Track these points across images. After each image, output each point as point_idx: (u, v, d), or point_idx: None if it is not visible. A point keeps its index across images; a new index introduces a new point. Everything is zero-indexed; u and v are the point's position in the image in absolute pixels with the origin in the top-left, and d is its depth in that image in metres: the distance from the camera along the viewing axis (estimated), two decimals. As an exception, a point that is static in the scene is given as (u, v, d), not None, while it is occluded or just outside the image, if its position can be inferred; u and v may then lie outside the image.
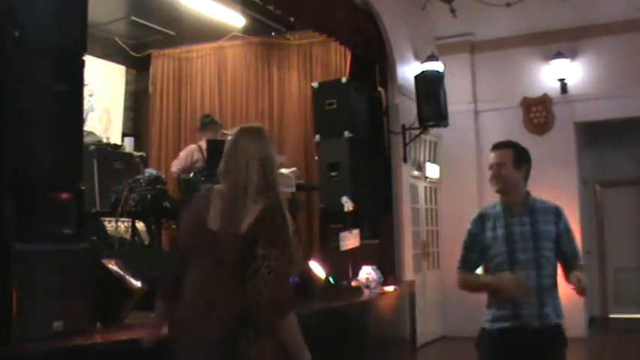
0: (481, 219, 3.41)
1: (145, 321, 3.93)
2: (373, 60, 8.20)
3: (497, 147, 3.48)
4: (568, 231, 3.35)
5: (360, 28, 7.85)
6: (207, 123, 7.05)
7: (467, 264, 3.41)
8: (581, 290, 3.20)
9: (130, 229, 6.20)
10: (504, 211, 3.37)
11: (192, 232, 2.62)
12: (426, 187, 9.19)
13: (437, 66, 8.24)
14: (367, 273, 6.61)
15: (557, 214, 3.36)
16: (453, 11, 8.46)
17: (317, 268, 5.98)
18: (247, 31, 8.56)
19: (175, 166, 6.77)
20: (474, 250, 3.38)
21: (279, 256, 2.47)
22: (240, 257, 2.46)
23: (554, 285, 3.33)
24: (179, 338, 2.55)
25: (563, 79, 9.21)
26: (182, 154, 6.92)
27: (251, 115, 8.84)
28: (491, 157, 3.44)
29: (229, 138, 2.75)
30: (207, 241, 2.53)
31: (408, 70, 8.49)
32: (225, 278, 2.47)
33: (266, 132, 2.73)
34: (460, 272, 3.43)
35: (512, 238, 3.28)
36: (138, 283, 4.11)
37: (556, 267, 3.34)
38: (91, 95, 8.21)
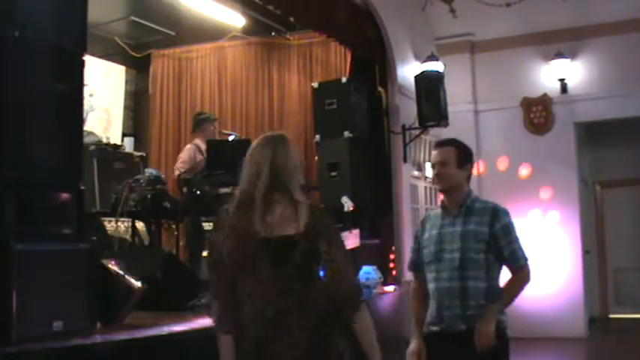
0: (423, 221, 3.43)
1: (147, 322, 3.95)
2: (373, 60, 8.20)
3: (440, 145, 3.39)
4: (508, 232, 3.23)
5: (360, 28, 7.85)
6: (201, 120, 7.04)
7: (413, 265, 3.44)
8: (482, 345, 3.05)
9: (130, 229, 6.20)
10: (442, 211, 3.33)
11: (237, 245, 2.47)
12: (426, 187, 9.18)
13: (437, 66, 8.24)
14: (367, 273, 6.61)
15: (493, 215, 3.23)
16: (453, 11, 8.45)
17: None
18: (247, 31, 8.56)
19: (179, 169, 6.70)
20: (417, 252, 3.40)
21: (339, 252, 2.50)
22: (305, 256, 2.44)
23: (489, 287, 3.18)
24: (260, 344, 2.42)
25: (563, 79, 9.22)
26: (184, 155, 6.85)
27: (251, 115, 8.84)
28: (433, 154, 3.37)
29: (255, 146, 2.81)
30: (262, 249, 2.45)
31: (408, 70, 8.49)
32: (292, 281, 2.42)
33: (285, 139, 2.81)
34: (413, 274, 3.47)
35: (442, 239, 3.25)
36: (138, 283, 4.11)
37: (491, 269, 3.21)
38: (91, 95, 8.20)
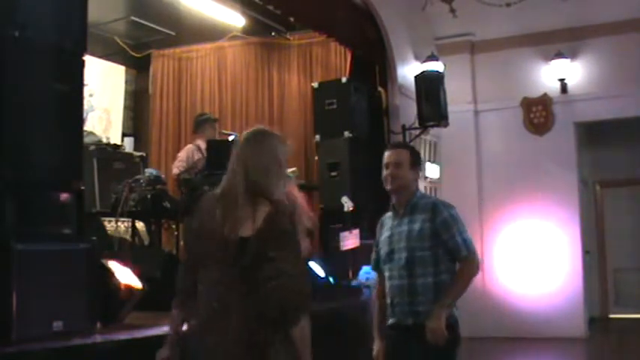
0: (381, 224, 3.54)
1: (147, 322, 3.95)
2: (373, 60, 8.20)
3: (394, 147, 3.56)
4: (448, 225, 3.27)
5: (360, 28, 7.85)
6: (202, 121, 7.06)
7: (374, 265, 3.59)
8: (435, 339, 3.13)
9: (130, 229, 6.20)
10: (393, 212, 3.46)
11: (203, 237, 2.57)
12: (426, 187, 9.17)
13: (437, 66, 8.24)
14: (367, 273, 6.61)
15: (433, 210, 3.30)
16: (453, 11, 8.45)
17: (316, 268, 5.98)
18: (247, 31, 8.56)
19: (177, 167, 6.75)
20: (377, 253, 3.54)
21: (290, 258, 2.48)
22: (253, 260, 2.45)
23: (437, 282, 3.24)
24: (201, 343, 2.54)
25: (563, 79, 9.21)
26: (182, 154, 6.91)
27: (251, 115, 8.84)
28: (386, 155, 3.47)
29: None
30: (218, 247, 2.50)
31: (408, 70, 8.49)
32: (238, 282, 2.46)
33: (263, 135, 2.67)
34: (376, 276, 3.62)
35: (392, 240, 3.37)
36: (138, 283, 4.11)
37: (439, 264, 3.26)
38: (91, 95, 8.20)
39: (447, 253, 3.28)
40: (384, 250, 3.42)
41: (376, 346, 3.46)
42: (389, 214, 3.52)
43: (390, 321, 3.36)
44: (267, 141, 2.63)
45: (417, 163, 3.47)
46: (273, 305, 2.43)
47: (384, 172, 3.44)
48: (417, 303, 3.23)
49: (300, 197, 2.64)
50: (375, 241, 3.56)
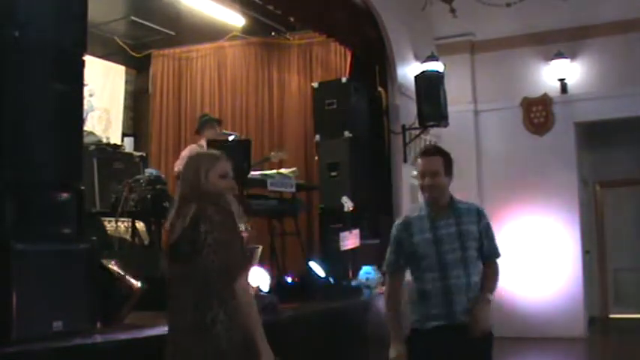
0: (406, 225, 3.49)
1: (147, 322, 3.95)
2: (373, 60, 8.20)
3: (428, 154, 3.49)
4: (489, 229, 3.48)
5: (360, 28, 7.85)
6: (205, 122, 7.06)
7: (394, 267, 3.54)
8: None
9: (130, 229, 6.19)
10: (430, 215, 3.44)
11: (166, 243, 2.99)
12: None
13: (437, 66, 8.24)
14: (367, 273, 6.61)
15: (478, 214, 3.47)
16: (453, 11, 8.45)
17: (317, 268, 5.98)
18: (247, 31, 8.57)
19: (178, 166, 6.76)
20: (400, 255, 3.49)
21: (219, 228, 2.76)
22: (190, 244, 2.76)
23: (479, 281, 3.41)
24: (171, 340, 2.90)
25: (563, 79, 9.21)
26: (185, 153, 6.90)
27: (251, 115, 8.84)
28: (420, 164, 3.45)
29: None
30: (169, 253, 2.90)
31: (408, 70, 8.49)
32: (185, 267, 2.80)
33: (187, 159, 3.12)
34: (389, 277, 3.58)
35: (440, 241, 3.38)
36: (138, 283, 4.11)
37: (478, 264, 3.44)
38: (91, 95, 8.21)
39: (480, 255, 3.45)
40: (427, 251, 3.38)
41: (396, 351, 3.39)
42: (416, 215, 3.49)
43: (440, 322, 3.33)
44: (188, 164, 3.06)
45: (450, 168, 3.47)
46: (213, 270, 2.72)
47: (421, 181, 3.44)
48: (472, 300, 3.34)
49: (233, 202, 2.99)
50: (399, 242, 3.49)
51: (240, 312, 2.74)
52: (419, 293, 3.42)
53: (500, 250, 3.54)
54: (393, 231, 3.54)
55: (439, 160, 3.43)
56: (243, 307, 2.74)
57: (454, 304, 3.32)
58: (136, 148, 8.18)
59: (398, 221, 3.56)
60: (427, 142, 9.13)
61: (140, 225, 6.33)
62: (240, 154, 6.17)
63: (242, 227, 3.15)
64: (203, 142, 6.81)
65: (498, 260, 3.54)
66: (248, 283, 2.86)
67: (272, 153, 7.11)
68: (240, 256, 2.82)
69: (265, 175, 6.42)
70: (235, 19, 7.93)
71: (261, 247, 6.39)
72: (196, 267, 2.76)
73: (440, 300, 3.34)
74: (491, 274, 3.49)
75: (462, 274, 3.34)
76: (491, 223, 3.52)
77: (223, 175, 2.96)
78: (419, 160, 3.48)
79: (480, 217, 3.46)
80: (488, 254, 3.48)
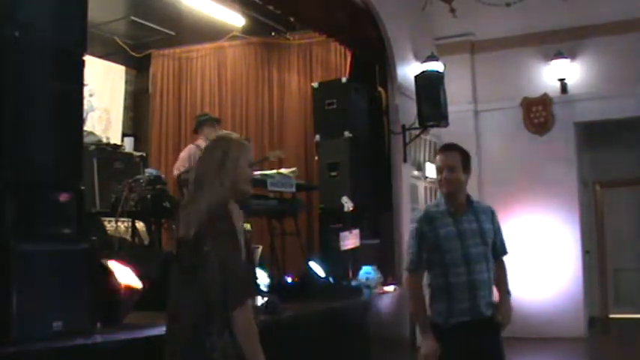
0: (428, 218, 3.53)
1: (147, 322, 3.95)
2: (373, 60, 8.20)
3: (446, 149, 3.61)
4: (500, 228, 3.66)
5: (360, 28, 7.84)
6: (204, 121, 7.06)
7: (418, 264, 3.53)
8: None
9: (130, 229, 6.19)
10: (450, 210, 3.51)
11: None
12: (426, 187, 9.18)
13: (437, 66, 8.24)
14: (367, 273, 6.62)
15: (492, 213, 3.63)
16: (453, 11, 8.46)
17: (317, 268, 5.98)
18: (247, 31, 8.57)
19: (178, 168, 6.75)
20: (424, 248, 3.51)
21: (223, 250, 2.59)
22: (193, 258, 2.63)
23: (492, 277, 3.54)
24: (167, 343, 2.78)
25: (563, 79, 9.22)
26: (183, 154, 6.91)
27: (251, 115, 8.85)
28: (439, 159, 3.55)
29: None
30: (176, 249, 2.79)
31: (408, 70, 8.49)
32: (187, 281, 2.67)
33: (213, 141, 2.92)
34: (413, 274, 3.56)
35: (464, 235, 3.45)
36: (138, 283, 4.11)
37: (493, 262, 3.56)
38: (91, 95, 8.21)
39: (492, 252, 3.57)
40: (452, 245, 3.43)
41: (429, 346, 3.41)
42: (436, 209, 3.55)
43: (465, 318, 3.39)
44: (217, 147, 2.82)
45: (468, 164, 3.58)
46: (208, 291, 2.57)
47: (439, 176, 3.52)
48: (491, 294, 3.48)
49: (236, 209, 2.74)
50: (422, 237, 3.50)
51: (240, 341, 2.58)
52: (440, 289, 3.45)
53: (506, 246, 3.71)
54: (415, 225, 3.53)
55: (457, 155, 3.53)
56: (242, 337, 2.58)
57: (478, 298, 3.39)
58: (136, 148, 8.18)
59: (418, 214, 3.61)
60: (427, 142, 9.15)
61: (140, 225, 6.33)
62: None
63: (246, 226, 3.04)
64: (201, 142, 6.81)
65: (505, 258, 3.69)
66: (251, 312, 2.66)
67: (270, 153, 7.12)
68: (244, 282, 2.65)
69: (265, 175, 6.42)
70: (235, 19, 7.93)
71: (261, 247, 6.40)
72: (197, 281, 2.62)
73: (465, 295, 3.39)
74: (503, 271, 3.64)
75: (484, 268, 3.43)
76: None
77: (250, 165, 2.84)
78: (437, 156, 3.59)
79: (494, 216, 3.62)
80: (500, 252, 3.63)
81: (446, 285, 3.42)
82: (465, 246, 3.42)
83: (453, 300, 3.39)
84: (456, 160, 3.51)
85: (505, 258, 3.70)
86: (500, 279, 3.57)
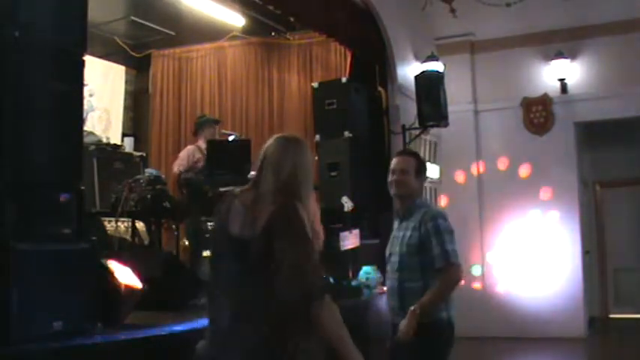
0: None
1: (147, 322, 3.95)
2: (373, 60, 8.20)
3: (402, 154, 3.73)
4: (429, 235, 3.40)
5: (360, 28, 7.85)
6: (203, 123, 7.07)
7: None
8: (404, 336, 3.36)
9: (130, 229, 6.20)
10: (396, 217, 3.64)
11: (218, 239, 2.69)
12: (425, 187, 9.17)
13: (437, 66, 8.24)
14: (367, 273, 6.61)
15: (421, 219, 3.45)
16: (453, 11, 8.46)
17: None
18: (247, 31, 8.57)
19: (177, 166, 6.78)
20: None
21: (293, 249, 2.46)
22: (259, 258, 2.47)
23: (424, 287, 3.41)
24: (215, 344, 2.57)
25: (563, 79, 9.21)
26: (182, 154, 6.94)
27: (251, 115, 8.85)
28: (393, 162, 3.61)
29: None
30: (229, 246, 2.57)
31: (408, 70, 8.49)
32: (250, 282, 2.49)
33: (296, 141, 2.74)
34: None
35: (392, 243, 3.61)
36: (138, 283, 4.11)
37: (426, 270, 3.42)
38: (91, 95, 8.21)
39: (424, 261, 3.44)
40: (388, 248, 3.64)
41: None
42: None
43: (393, 320, 3.57)
44: (287, 146, 2.70)
45: (422, 172, 3.63)
46: (287, 299, 2.42)
47: (390, 178, 3.57)
48: (406, 305, 3.40)
49: (315, 210, 2.66)
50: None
51: (329, 339, 2.46)
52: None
53: (448, 259, 3.37)
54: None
55: (411, 160, 3.60)
56: (332, 334, 2.46)
57: (389, 306, 3.58)
58: (136, 148, 8.18)
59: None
60: (427, 142, 9.16)
61: (140, 225, 6.33)
62: (240, 154, 6.18)
63: None
64: (201, 142, 6.82)
65: (444, 269, 3.38)
66: (334, 307, 2.53)
67: None
68: (320, 280, 2.53)
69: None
70: (235, 19, 7.93)
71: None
72: (266, 281, 2.44)
73: (389, 300, 3.61)
74: (435, 285, 3.39)
75: (395, 276, 3.50)
76: (440, 228, 3.40)
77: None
78: (393, 159, 3.65)
79: (421, 222, 3.43)
80: (435, 260, 3.39)
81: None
82: (389, 255, 3.60)
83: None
84: (410, 164, 3.56)
85: (447, 269, 3.39)
86: (429, 291, 3.37)
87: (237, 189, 2.73)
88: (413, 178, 3.54)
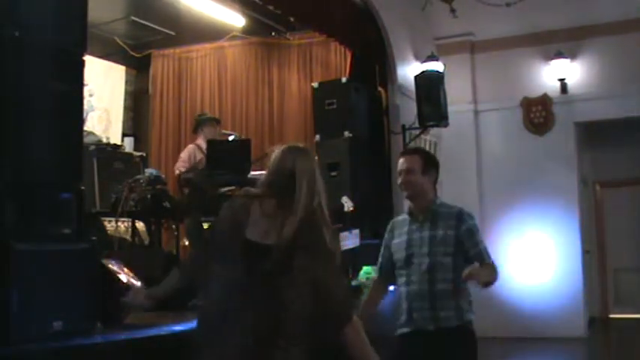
0: (391, 228, 3.56)
1: (147, 322, 3.95)
2: (373, 60, 8.20)
3: (405, 153, 3.63)
4: (472, 234, 3.35)
5: (360, 28, 7.85)
6: (203, 120, 7.08)
7: (381, 271, 3.60)
8: (477, 279, 3.14)
9: (130, 229, 6.19)
10: (410, 217, 3.47)
11: (228, 238, 2.57)
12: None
13: (437, 66, 8.24)
14: (367, 273, 6.61)
15: (458, 218, 3.38)
16: (453, 11, 8.45)
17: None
18: (247, 31, 8.57)
19: (179, 168, 6.79)
20: (386, 258, 3.54)
21: (322, 267, 2.45)
22: (275, 267, 2.44)
23: (455, 290, 3.31)
24: (206, 341, 2.52)
25: (563, 79, 9.21)
26: (184, 154, 6.94)
27: (251, 115, 8.85)
28: (399, 162, 3.52)
29: (275, 154, 2.73)
30: (243, 250, 2.51)
31: (408, 70, 8.49)
32: (257, 287, 2.45)
33: (311, 152, 2.76)
34: (375, 280, 3.69)
35: (411, 244, 3.39)
36: (138, 283, 4.11)
37: (458, 271, 3.29)
38: (91, 95, 8.21)
39: (465, 262, 3.33)
40: (400, 254, 3.42)
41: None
42: (401, 218, 3.56)
43: (405, 330, 3.38)
44: (313, 160, 2.71)
45: (430, 168, 3.50)
46: (291, 312, 2.40)
47: (399, 180, 3.49)
48: (438, 308, 3.28)
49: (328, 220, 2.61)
50: (386, 246, 3.55)
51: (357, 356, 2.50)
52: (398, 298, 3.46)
53: (490, 257, 3.36)
54: (385, 235, 3.57)
55: (416, 158, 3.49)
56: (359, 353, 2.51)
57: (413, 311, 3.33)
58: (136, 148, 8.17)
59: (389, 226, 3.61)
60: (427, 142, 9.15)
61: (140, 225, 6.33)
62: (240, 154, 6.18)
63: None
64: (202, 142, 6.82)
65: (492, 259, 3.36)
66: (361, 326, 2.55)
67: (270, 149, 7.11)
68: (347, 301, 2.53)
69: (265, 174, 6.41)
70: (235, 19, 7.93)
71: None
72: (277, 292, 2.42)
73: (405, 306, 3.37)
74: (484, 266, 3.33)
75: (424, 279, 3.30)
76: (478, 228, 3.39)
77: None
78: (399, 160, 3.55)
79: (459, 221, 3.37)
80: (474, 260, 3.35)
81: (399, 294, 3.44)
82: (409, 255, 3.37)
83: (400, 310, 3.42)
84: (414, 162, 3.45)
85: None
86: (457, 293, 3.30)
87: (252, 190, 2.68)
88: (420, 176, 3.43)
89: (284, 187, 2.55)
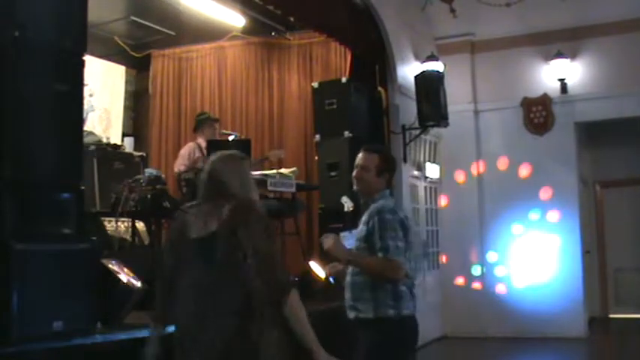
0: None
1: (147, 322, 3.95)
2: (373, 60, 8.19)
3: (366, 150, 3.60)
4: (378, 228, 3.35)
5: (360, 28, 7.85)
6: (203, 120, 7.10)
7: None
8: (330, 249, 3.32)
9: (130, 229, 6.20)
10: (362, 208, 3.62)
11: (178, 245, 2.81)
12: (426, 187, 9.19)
13: (437, 66, 8.24)
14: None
15: (371, 213, 3.44)
16: (453, 11, 8.46)
17: (317, 268, 5.98)
18: (247, 31, 8.56)
19: (179, 166, 6.80)
20: None
21: (261, 239, 2.64)
22: (225, 251, 2.63)
23: (372, 282, 3.37)
24: (185, 342, 2.70)
25: (563, 79, 9.21)
26: (183, 152, 6.95)
27: (251, 115, 8.84)
28: (358, 156, 3.58)
29: (206, 166, 2.96)
30: (192, 249, 2.72)
31: (408, 70, 8.49)
32: (218, 277, 2.64)
33: (241, 158, 2.98)
34: None
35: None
36: (138, 283, 4.11)
37: None
38: (91, 95, 8.20)
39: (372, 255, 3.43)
40: None
41: (329, 241, 3.49)
42: None
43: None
44: (240, 161, 2.95)
45: (386, 170, 3.53)
46: (256, 287, 2.58)
47: (353, 173, 3.57)
48: (356, 299, 3.42)
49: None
50: None
51: (293, 324, 2.63)
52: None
53: (387, 252, 3.30)
54: None
55: (375, 157, 3.52)
56: (296, 319, 2.63)
57: (345, 299, 3.52)
58: (136, 148, 8.17)
59: None
60: (427, 142, 9.16)
61: (140, 225, 6.33)
62: (240, 154, 6.16)
63: None
64: (202, 142, 6.83)
65: (387, 259, 3.32)
66: (298, 295, 2.68)
67: (270, 152, 7.13)
68: (285, 273, 2.68)
69: (265, 175, 6.43)
70: (235, 19, 7.93)
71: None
72: (231, 272, 2.63)
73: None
74: (375, 259, 3.35)
75: (348, 271, 3.48)
76: (384, 223, 3.34)
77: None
78: (359, 154, 3.60)
79: (369, 217, 3.43)
80: (378, 252, 3.34)
81: None
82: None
83: None
84: (371, 161, 3.49)
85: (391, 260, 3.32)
86: (373, 285, 3.37)
87: (186, 205, 2.98)
88: (373, 176, 3.48)
89: (218, 190, 2.79)
